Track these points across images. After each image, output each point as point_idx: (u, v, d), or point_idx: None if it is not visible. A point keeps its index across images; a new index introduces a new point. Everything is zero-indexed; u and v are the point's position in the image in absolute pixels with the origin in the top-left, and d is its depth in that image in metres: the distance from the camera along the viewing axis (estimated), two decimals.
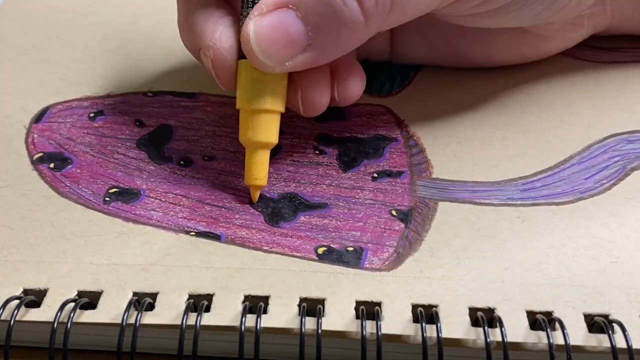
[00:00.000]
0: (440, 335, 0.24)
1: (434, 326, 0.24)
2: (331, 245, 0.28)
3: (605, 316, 0.25)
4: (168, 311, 0.25)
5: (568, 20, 0.35)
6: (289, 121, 0.34)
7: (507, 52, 0.36)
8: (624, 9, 0.36)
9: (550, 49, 0.37)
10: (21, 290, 0.26)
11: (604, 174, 0.31)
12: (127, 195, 0.30)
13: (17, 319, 0.24)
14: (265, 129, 0.29)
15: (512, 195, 0.30)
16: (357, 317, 0.25)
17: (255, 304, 0.25)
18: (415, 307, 0.25)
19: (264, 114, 0.29)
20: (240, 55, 0.28)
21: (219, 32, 0.29)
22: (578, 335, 0.24)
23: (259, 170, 0.29)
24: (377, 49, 0.37)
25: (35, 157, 0.32)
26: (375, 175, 0.31)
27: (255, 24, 0.27)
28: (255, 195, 0.30)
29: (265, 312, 0.25)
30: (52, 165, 0.32)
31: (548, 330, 0.24)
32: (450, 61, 0.37)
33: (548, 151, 0.32)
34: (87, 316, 0.25)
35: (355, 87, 0.31)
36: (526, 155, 0.32)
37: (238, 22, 0.29)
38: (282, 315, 0.25)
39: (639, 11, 0.37)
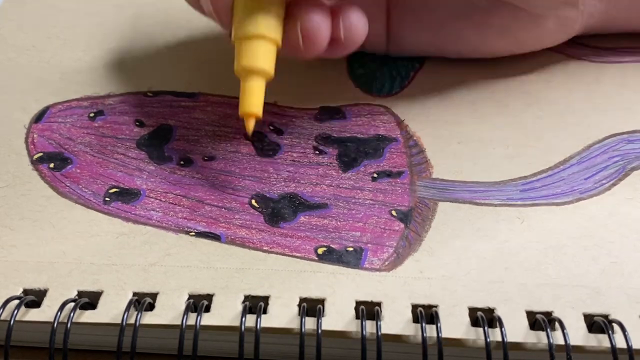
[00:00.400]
0: (440, 335, 0.24)
1: (434, 326, 0.24)
2: (331, 245, 0.28)
3: (605, 316, 0.25)
4: (168, 311, 0.25)
5: None
6: (289, 121, 0.34)
7: (503, 36, 0.36)
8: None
9: (546, 34, 0.36)
10: (21, 290, 0.26)
11: (604, 174, 0.31)
12: (127, 195, 0.30)
13: (17, 319, 0.24)
14: (259, 55, 0.28)
15: (512, 195, 0.30)
16: (357, 317, 0.25)
17: (255, 304, 0.25)
18: (415, 307, 0.25)
19: (259, 40, 0.28)
20: None
21: None
22: (578, 335, 0.24)
23: (253, 97, 0.29)
24: (374, 40, 0.36)
25: (35, 157, 0.32)
26: (375, 175, 0.31)
27: None
28: (250, 126, 0.29)
29: (265, 312, 0.25)
30: (52, 165, 0.32)
31: (548, 330, 0.24)
32: (447, 48, 0.37)
33: (548, 151, 0.32)
34: (87, 316, 0.25)
35: (358, 23, 0.30)
36: (526, 155, 0.32)
37: None
38: (282, 315, 0.25)
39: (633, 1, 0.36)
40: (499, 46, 0.36)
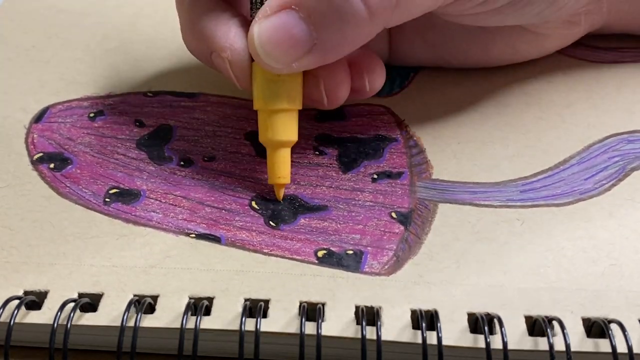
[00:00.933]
0: (440, 341, 0.24)
1: (434, 332, 0.24)
2: (331, 248, 0.28)
3: (604, 320, 0.25)
4: (168, 314, 0.25)
5: (566, 18, 0.35)
6: None
7: (506, 51, 0.36)
8: (619, 5, 0.36)
9: (548, 47, 0.37)
10: (22, 291, 0.26)
11: (604, 175, 0.31)
12: (127, 196, 0.30)
13: (17, 320, 0.24)
14: (284, 127, 0.29)
15: (512, 196, 0.30)
16: (357, 321, 0.25)
17: (255, 307, 0.25)
18: (414, 312, 0.25)
19: (282, 113, 0.29)
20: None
21: (232, 32, 0.29)
22: (577, 339, 0.24)
23: (281, 169, 0.30)
24: (376, 50, 0.36)
25: (35, 157, 0.32)
26: (375, 176, 0.31)
27: (259, 27, 0.27)
28: (280, 194, 0.30)
29: (265, 315, 0.25)
30: (52, 165, 0.32)
31: (549, 332, 0.24)
32: (450, 62, 0.37)
33: (548, 151, 0.32)
34: (87, 318, 0.25)
35: (381, 74, 0.31)
36: (526, 155, 0.32)
37: (247, 22, 0.29)
38: (281, 318, 0.25)
39: (634, 7, 0.37)
40: (502, 60, 0.37)
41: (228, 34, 0.29)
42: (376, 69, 0.31)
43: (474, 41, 0.36)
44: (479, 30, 0.35)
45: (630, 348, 0.24)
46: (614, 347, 0.23)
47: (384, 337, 0.24)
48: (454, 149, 0.33)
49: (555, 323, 0.24)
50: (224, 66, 0.29)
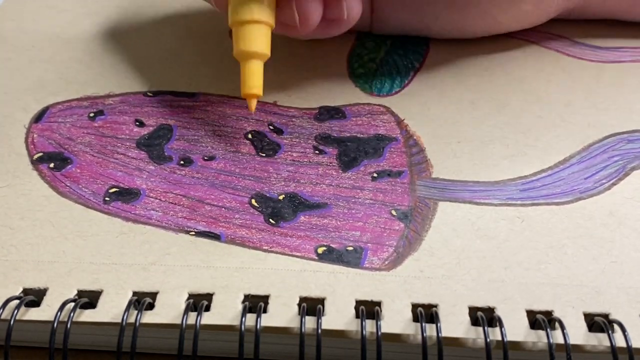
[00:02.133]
0: (440, 334, 0.24)
1: (434, 326, 0.24)
2: (331, 245, 0.28)
3: (605, 315, 0.25)
4: (168, 310, 0.25)
5: None
6: (289, 121, 0.34)
7: (482, 17, 0.37)
8: None
9: (523, 15, 0.37)
10: (21, 289, 0.26)
11: (604, 174, 0.31)
12: (127, 195, 0.30)
13: (17, 318, 0.24)
14: (254, 39, 0.30)
15: (512, 195, 0.30)
16: (357, 316, 0.25)
17: (255, 304, 0.25)
18: (415, 306, 0.25)
19: (253, 25, 0.30)
20: None
21: None
22: (578, 334, 0.24)
23: (253, 79, 0.31)
24: (359, 20, 0.37)
25: (35, 156, 0.32)
26: (375, 175, 0.31)
27: None
28: (252, 105, 0.31)
29: (265, 311, 0.25)
30: (52, 165, 0.32)
31: (548, 329, 0.24)
32: (430, 29, 0.38)
33: (548, 151, 0.32)
34: (87, 316, 0.25)
35: (356, 5, 0.32)
36: (526, 155, 0.32)
37: None
38: (282, 314, 0.25)
39: None
40: (479, 27, 0.38)
41: None
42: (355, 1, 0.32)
43: (449, 5, 0.36)
44: None
45: (629, 346, 0.24)
46: (613, 347, 0.23)
47: (384, 331, 0.24)
48: (454, 148, 0.33)
49: (556, 318, 0.24)
50: None
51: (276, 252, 0.28)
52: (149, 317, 0.25)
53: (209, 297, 0.26)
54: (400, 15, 0.37)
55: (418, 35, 0.38)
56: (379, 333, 0.24)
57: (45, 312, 0.25)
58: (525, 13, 0.37)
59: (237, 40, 0.30)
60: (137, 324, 0.24)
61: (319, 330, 0.24)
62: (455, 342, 0.24)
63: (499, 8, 0.36)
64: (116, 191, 0.30)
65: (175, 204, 0.30)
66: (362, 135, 0.33)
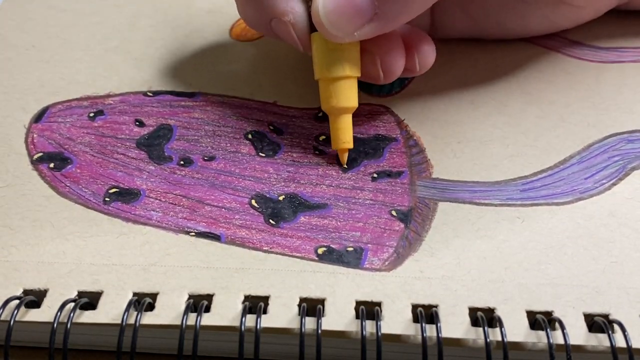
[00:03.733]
0: (440, 335, 0.24)
1: (434, 326, 0.24)
2: (331, 245, 0.28)
3: (605, 316, 0.25)
4: (168, 311, 0.25)
5: None
6: (289, 121, 0.34)
7: (542, 22, 0.38)
8: None
9: (583, 17, 0.38)
10: (21, 290, 0.26)
11: (604, 174, 0.31)
12: (127, 195, 0.30)
13: (17, 319, 0.24)
14: (346, 94, 0.31)
15: (512, 195, 0.30)
16: (357, 317, 0.25)
17: (255, 304, 0.25)
18: (415, 307, 0.25)
19: (343, 81, 0.30)
20: (312, 28, 0.30)
21: (292, 1, 0.30)
22: (578, 334, 0.24)
23: (345, 134, 0.31)
24: (418, 23, 0.37)
25: (35, 157, 0.32)
26: (375, 175, 0.31)
27: None
28: (344, 159, 0.32)
29: (265, 312, 0.25)
30: (52, 165, 0.32)
31: (548, 330, 0.24)
32: (489, 33, 0.38)
33: (548, 151, 0.32)
34: (87, 316, 0.25)
35: (430, 53, 0.33)
36: (526, 155, 0.32)
37: None
38: (282, 315, 0.25)
39: None
40: (538, 31, 0.39)
41: (288, 1, 0.30)
42: (424, 47, 0.32)
43: (512, 13, 0.37)
44: (517, 2, 0.36)
45: (629, 347, 0.24)
46: (614, 348, 0.23)
47: (384, 331, 0.24)
48: (454, 148, 0.33)
49: (556, 318, 0.24)
50: (287, 30, 0.30)
51: (276, 253, 0.28)
52: (149, 318, 0.25)
53: (209, 297, 0.26)
54: (459, 24, 0.38)
55: (474, 38, 0.39)
56: (379, 333, 0.24)
57: (45, 312, 0.25)
58: (584, 18, 0.38)
59: (328, 96, 0.31)
60: (137, 324, 0.24)
61: (319, 331, 0.24)
62: (455, 342, 0.24)
63: (561, 16, 0.37)
64: (116, 191, 0.30)
65: (175, 204, 0.30)
66: (362, 136, 0.33)
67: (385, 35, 0.30)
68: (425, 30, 0.37)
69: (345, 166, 0.31)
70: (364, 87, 0.36)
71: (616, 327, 0.24)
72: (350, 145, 0.31)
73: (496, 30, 0.38)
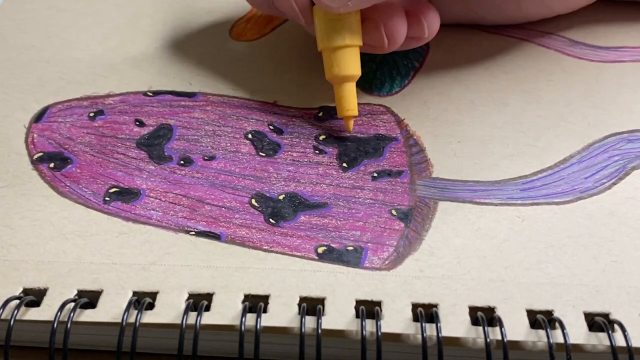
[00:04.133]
0: (440, 334, 0.24)
1: (434, 325, 0.24)
2: (331, 244, 0.28)
3: (605, 315, 0.25)
4: (168, 310, 0.25)
5: None
6: (289, 121, 0.34)
7: (539, 6, 0.38)
8: None
9: (577, 3, 0.39)
10: (21, 289, 0.26)
11: (604, 173, 0.31)
12: (127, 194, 0.30)
13: (17, 318, 0.24)
14: (348, 62, 0.32)
15: (512, 194, 0.30)
16: (357, 316, 0.25)
17: (255, 303, 0.25)
18: (415, 306, 0.25)
19: (346, 49, 0.32)
20: (313, 2, 0.32)
21: None
22: (578, 334, 0.24)
23: (349, 101, 0.32)
24: None
25: (35, 156, 0.32)
26: (375, 174, 0.31)
27: None
28: (350, 126, 0.33)
29: (265, 311, 0.25)
30: (52, 165, 0.32)
31: (548, 329, 0.24)
32: (485, 17, 0.39)
33: (548, 150, 0.32)
34: (87, 315, 0.25)
35: (435, 20, 0.33)
36: (526, 154, 0.32)
37: None
38: (282, 314, 0.25)
39: None
40: (533, 14, 0.39)
41: None
42: (430, 13, 0.33)
43: (510, 2, 0.38)
44: None
45: (630, 346, 0.24)
46: (614, 347, 0.23)
47: (384, 330, 0.24)
48: (454, 147, 0.33)
49: (556, 317, 0.24)
50: (290, 5, 0.32)
51: (276, 252, 0.28)
52: (149, 317, 0.25)
53: (209, 297, 0.26)
54: (455, 8, 0.39)
55: (471, 23, 0.40)
56: (379, 333, 0.24)
57: (45, 312, 0.25)
58: (579, 1, 0.39)
59: (330, 65, 0.32)
60: (137, 324, 0.24)
61: (319, 330, 0.24)
62: (455, 342, 0.24)
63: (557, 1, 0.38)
64: (116, 191, 0.30)
65: (175, 203, 0.30)
66: (362, 135, 0.33)
67: (386, 2, 0.32)
68: None
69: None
70: (364, 87, 0.36)
71: (616, 326, 0.24)
72: (355, 112, 0.32)
73: (492, 14, 0.39)
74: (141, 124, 0.34)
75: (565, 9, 0.39)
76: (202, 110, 0.35)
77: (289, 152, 0.32)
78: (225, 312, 0.25)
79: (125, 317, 0.24)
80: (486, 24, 0.40)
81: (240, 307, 0.25)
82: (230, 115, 0.34)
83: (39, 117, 0.34)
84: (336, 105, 0.33)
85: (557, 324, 0.24)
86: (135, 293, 0.26)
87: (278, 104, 0.35)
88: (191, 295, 0.26)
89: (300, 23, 0.33)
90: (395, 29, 0.32)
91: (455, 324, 0.24)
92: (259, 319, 0.24)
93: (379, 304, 0.25)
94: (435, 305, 0.25)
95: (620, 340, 0.24)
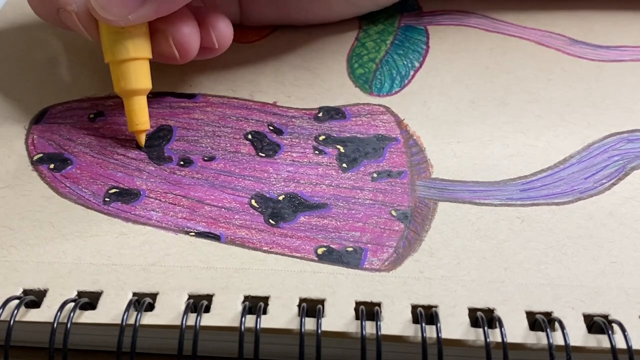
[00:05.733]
0: (439, 335, 0.24)
1: (434, 326, 0.24)
2: (331, 245, 0.28)
3: (605, 316, 0.25)
4: (168, 311, 0.25)
5: None
6: (289, 121, 0.34)
7: (346, 5, 0.39)
8: None
9: (383, 1, 0.40)
10: (21, 290, 0.26)
11: (604, 174, 0.31)
12: (126, 195, 0.30)
13: (16, 319, 0.24)
14: (135, 76, 0.31)
15: (512, 195, 0.30)
16: (357, 317, 0.25)
17: (255, 304, 0.25)
18: (414, 307, 0.25)
19: (131, 63, 0.31)
20: None
21: None
22: (578, 335, 0.24)
23: (138, 116, 0.31)
24: (227, 11, 0.38)
25: (35, 157, 0.32)
26: (375, 175, 0.31)
27: None
28: (142, 140, 0.32)
29: (265, 312, 0.25)
30: (52, 165, 0.32)
31: (548, 330, 0.24)
32: (297, 19, 0.39)
33: (548, 151, 0.32)
34: (87, 316, 0.25)
35: (226, 29, 0.33)
36: (526, 154, 0.32)
37: None
38: (281, 315, 0.25)
39: None
40: (341, 14, 0.40)
41: None
42: (219, 24, 0.32)
43: (317, 2, 0.38)
44: None
45: (630, 347, 0.24)
46: (614, 348, 0.23)
47: (384, 332, 0.24)
48: (454, 148, 0.33)
49: (555, 318, 0.24)
50: (73, 20, 0.30)
51: (276, 253, 0.28)
52: (148, 318, 0.25)
53: (208, 298, 0.26)
54: (267, 10, 0.39)
55: (284, 24, 0.40)
56: (379, 334, 0.24)
57: (45, 312, 0.25)
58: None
59: (117, 78, 0.31)
60: (137, 324, 0.24)
61: (319, 331, 0.24)
62: (455, 343, 0.24)
63: None
64: (116, 192, 0.30)
65: (175, 204, 0.30)
66: (362, 136, 0.33)
67: (175, 13, 0.30)
68: (236, 18, 0.39)
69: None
70: (364, 87, 0.36)
71: (616, 327, 0.24)
72: (146, 126, 0.32)
73: (302, 15, 0.39)
74: None
75: (374, 5, 0.40)
76: (202, 111, 0.35)
77: (289, 153, 0.32)
78: (225, 313, 0.25)
79: (125, 318, 0.24)
80: (298, 25, 0.40)
81: (240, 308, 0.25)
82: (230, 116, 0.34)
83: (39, 119, 0.34)
84: (127, 119, 0.32)
85: (556, 325, 0.24)
86: (135, 294, 0.26)
87: (278, 105, 0.35)
88: (191, 296, 0.26)
89: (86, 38, 0.31)
90: (184, 41, 0.31)
91: (454, 325, 0.24)
92: (258, 320, 0.24)
93: (378, 305, 0.25)
94: (435, 307, 0.25)
95: (620, 342, 0.24)
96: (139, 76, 0.31)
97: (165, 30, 0.31)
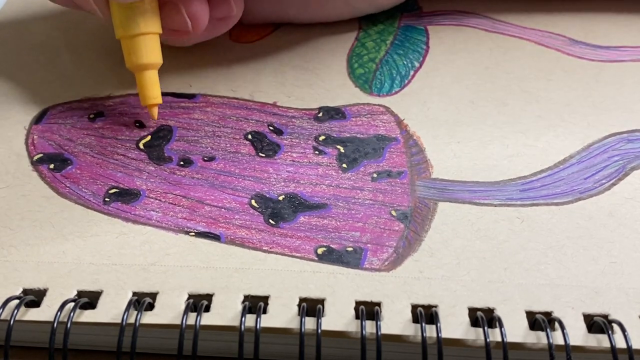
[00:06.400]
0: (439, 335, 0.24)
1: (434, 326, 0.24)
2: (331, 245, 0.28)
3: (605, 316, 0.25)
4: (168, 311, 0.25)
5: None
6: (289, 121, 0.34)
7: (344, 7, 0.39)
8: None
9: (381, 3, 0.40)
10: (21, 290, 0.26)
11: (604, 174, 0.31)
12: (127, 195, 0.30)
13: (16, 318, 0.24)
14: (146, 50, 0.31)
15: (512, 195, 0.30)
16: (357, 317, 0.25)
17: (255, 304, 0.25)
18: (414, 307, 0.25)
19: (142, 37, 0.31)
20: None
21: None
22: (577, 335, 0.24)
23: (151, 90, 0.32)
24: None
25: (35, 158, 0.32)
26: (375, 175, 0.31)
27: None
28: (154, 114, 0.33)
29: (264, 312, 0.25)
30: (52, 166, 0.32)
31: (547, 330, 0.24)
32: (295, 16, 0.40)
33: (548, 151, 0.32)
34: (87, 316, 0.25)
35: (202, 11, 0.33)
36: (526, 155, 0.32)
37: None
38: (281, 315, 0.25)
39: None
40: (343, 14, 0.40)
41: None
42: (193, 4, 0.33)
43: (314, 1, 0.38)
44: None
45: (629, 347, 0.24)
46: (613, 348, 0.23)
47: (384, 332, 0.24)
48: (454, 148, 0.33)
49: (555, 318, 0.24)
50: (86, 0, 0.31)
51: (276, 253, 0.28)
52: (148, 318, 0.25)
53: (208, 297, 0.26)
54: (265, 8, 0.39)
55: (283, 22, 0.40)
56: (379, 334, 0.24)
57: (45, 312, 0.25)
58: (383, 1, 0.40)
59: (128, 53, 0.32)
60: (137, 324, 0.24)
61: (319, 331, 0.24)
62: (455, 342, 0.24)
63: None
64: (116, 192, 0.30)
65: (175, 204, 0.30)
66: (362, 136, 0.33)
67: None
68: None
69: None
70: (364, 87, 0.36)
71: (616, 327, 0.24)
72: (159, 100, 0.32)
73: (299, 13, 0.39)
74: (141, 125, 0.34)
75: (373, 8, 0.40)
76: (202, 111, 0.35)
77: (289, 153, 0.32)
78: (225, 312, 0.25)
79: (125, 317, 0.24)
80: (296, 23, 0.40)
81: (240, 307, 0.25)
82: (230, 116, 0.34)
83: (39, 119, 0.34)
84: (139, 94, 0.32)
85: (556, 325, 0.24)
86: (135, 293, 0.26)
87: (278, 105, 0.35)
88: (191, 296, 0.26)
89: (98, 16, 0.32)
90: (196, 10, 0.32)
91: (454, 325, 0.24)
92: (258, 320, 0.24)
93: (378, 304, 0.25)
94: (435, 306, 0.25)
95: (620, 342, 0.24)
96: (149, 50, 0.31)
97: (176, 1, 0.32)
